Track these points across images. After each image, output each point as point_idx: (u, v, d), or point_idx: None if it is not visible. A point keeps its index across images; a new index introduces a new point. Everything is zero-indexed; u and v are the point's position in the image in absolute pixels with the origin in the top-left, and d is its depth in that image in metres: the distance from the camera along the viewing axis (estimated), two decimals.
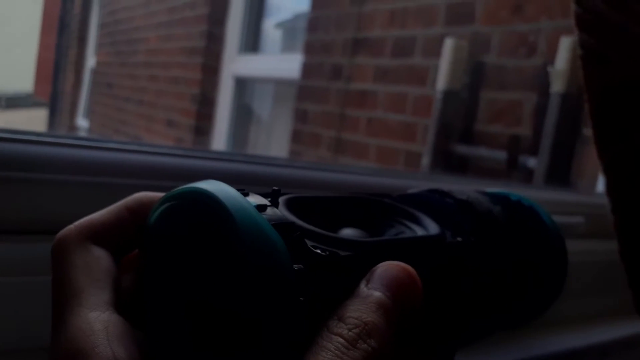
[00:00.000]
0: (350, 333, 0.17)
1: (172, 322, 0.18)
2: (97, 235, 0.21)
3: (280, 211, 0.21)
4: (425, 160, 1.23)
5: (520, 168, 1.06)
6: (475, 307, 0.26)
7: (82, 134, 3.86)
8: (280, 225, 0.18)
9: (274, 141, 2.20)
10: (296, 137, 1.78)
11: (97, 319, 0.18)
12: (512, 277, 0.28)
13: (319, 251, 0.19)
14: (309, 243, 0.19)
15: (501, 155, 1.09)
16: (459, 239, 0.26)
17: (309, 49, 1.77)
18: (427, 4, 1.37)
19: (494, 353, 0.48)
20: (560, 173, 0.99)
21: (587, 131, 0.97)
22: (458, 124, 1.21)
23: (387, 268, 0.19)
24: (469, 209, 0.28)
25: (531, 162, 1.03)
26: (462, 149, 1.19)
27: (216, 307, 0.17)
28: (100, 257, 0.20)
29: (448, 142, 1.20)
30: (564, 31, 1.01)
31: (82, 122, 3.92)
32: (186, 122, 2.43)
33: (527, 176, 1.04)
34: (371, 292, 0.19)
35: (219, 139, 2.30)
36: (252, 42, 2.28)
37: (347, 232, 0.24)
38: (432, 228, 0.25)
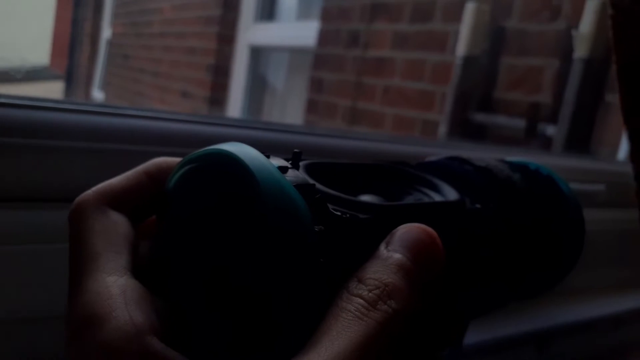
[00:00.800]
0: (370, 294, 0.17)
1: (193, 286, 0.18)
2: (116, 200, 0.21)
3: (301, 174, 0.20)
4: (443, 129, 1.21)
5: (539, 136, 1.04)
6: (493, 274, 0.26)
7: None
8: (301, 186, 0.18)
9: (288, 111, 2.19)
10: (311, 106, 1.76)
11: (115, 283, 0.18)
12: (530, 245, 0.28)
13: (339, 214, 0.19)
14: (329, 206, 0.19)
15: (520, 123, 1.07)
16: (478, 205, 0.25)
17: (326, 16, 1.74)
18: None
19: (507, 323, 0.48)
20: (580, 141, 0.97)
21: (611, 97, 0.95)
22: (477, 91, 1.19)
23: (408, 230, 0.19)
24: (489, 176, 0.28)
25: (550, 129, 1.01)
26: (480, 117, 1.18)
27: (238, 268, 0.17)
28: (118, 222, 0.20)
29: (466, 110, 1.18)
30: None
31: (97, 94, 3.93)
32: (201, 93, 2.42)
33: (546, 144, 1.03)
34: (391, 253, 0.18)
35: (234, 109, 2.29)
36: (268, 10, 2.25)
37: (366, 199, 0.24)
38: (451, 195, 0.25)
